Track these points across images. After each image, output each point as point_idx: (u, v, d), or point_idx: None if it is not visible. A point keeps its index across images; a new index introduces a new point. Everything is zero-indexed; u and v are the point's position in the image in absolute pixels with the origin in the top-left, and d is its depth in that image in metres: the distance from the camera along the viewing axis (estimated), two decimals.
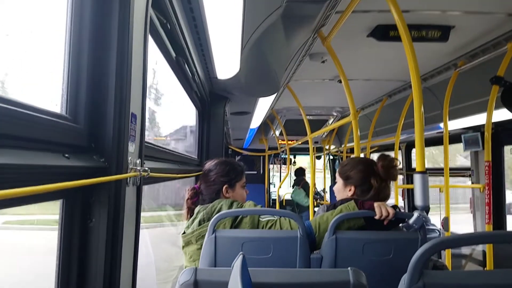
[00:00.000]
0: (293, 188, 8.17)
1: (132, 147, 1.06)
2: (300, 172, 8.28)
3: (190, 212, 2.00)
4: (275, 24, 2.01)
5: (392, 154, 4.95)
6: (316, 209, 5.48)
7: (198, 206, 1.94)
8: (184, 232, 1.88)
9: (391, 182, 1.98)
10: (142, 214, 1.21)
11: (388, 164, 1.90)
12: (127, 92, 0.99)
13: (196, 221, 1.85)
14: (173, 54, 1.94)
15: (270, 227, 1.81)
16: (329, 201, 8.17)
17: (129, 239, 1.06)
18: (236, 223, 1.81)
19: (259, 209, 1.90)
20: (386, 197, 1.91)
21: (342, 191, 2.00)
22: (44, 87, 0.93)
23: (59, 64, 0.90)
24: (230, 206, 1.86)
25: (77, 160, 0.83)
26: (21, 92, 0.75)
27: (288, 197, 8.88)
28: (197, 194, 2.04)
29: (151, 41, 1.56)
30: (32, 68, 0.87)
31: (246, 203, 1.92)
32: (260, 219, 1.83)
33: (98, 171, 0.92)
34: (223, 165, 2.05)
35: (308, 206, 5.21)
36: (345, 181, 1.98)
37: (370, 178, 1.90)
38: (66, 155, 0.80)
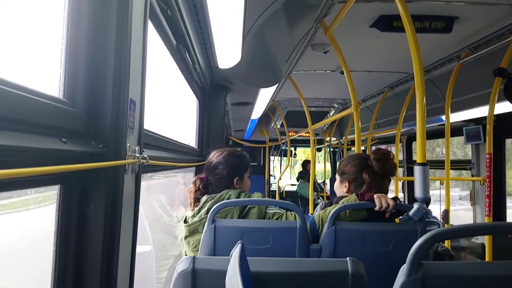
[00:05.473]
0: (297, 181, 8.11)
1: (131, 134, 1.05)
2: (306, 165, 8.20)
3: (196, 202, 1.99)
4: (277, 13, 1.98)
5: (393, 146, 4.94)
6: (319, 201, 5.47)
7: (205, 195, 1.94)
8: (186, 221, 1.88)
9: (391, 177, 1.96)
10: None
11: (381, 157, 1.87)
12: (125, 78, 0.98)
13: (204, 209, 1.85)
14: (174, 42, 1.92)
15: (276, 219, 1.82)
16: (328, 193, 8.17)
17: (127, 226, 1.06)
18: (244, 213, 1.83)
19: (260, 199, 1.90)
20: (383, 192, 1.85)
21: (339, 188, 1.99)
22: (42, 70, 0.91)
23: (57, 48, 0.89)
24: (238, 196, 1.88)
25: (75, 145, 0.82)
26: (17, 75, 0.74)
27: (288, 188, 8.88)
28: (207, 185, 2.03)
29: (151, 28, 1.54)
30: (30, 51, 0.86)
31: (254, 194, 1.93)
32: (267, 211, 1.84)
33: (96, 156, 0.91)
34: (234, 158, 2.04)
35: (314, 200, 5.20)
36: (341, 177, 1.98)
37: (363, 172, 1.89)
38: (63, 140, 0.79)
